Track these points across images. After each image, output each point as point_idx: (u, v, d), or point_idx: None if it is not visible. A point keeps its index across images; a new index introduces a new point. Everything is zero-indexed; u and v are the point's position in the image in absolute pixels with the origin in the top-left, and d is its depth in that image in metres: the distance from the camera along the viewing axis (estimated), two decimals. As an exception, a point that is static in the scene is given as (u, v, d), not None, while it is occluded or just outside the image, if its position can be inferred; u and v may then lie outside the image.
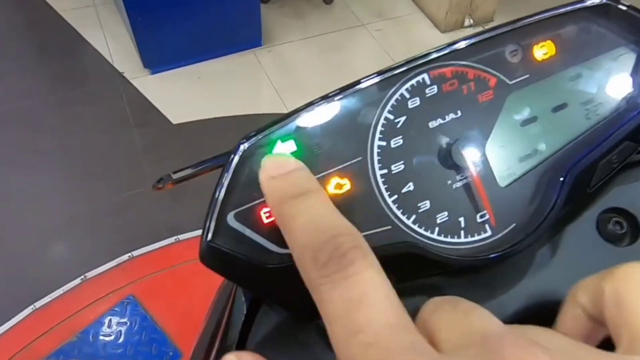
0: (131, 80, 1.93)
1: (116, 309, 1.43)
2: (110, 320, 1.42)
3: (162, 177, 0.43)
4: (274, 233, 0.26)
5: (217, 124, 1.85)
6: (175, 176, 0.41)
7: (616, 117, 0.29)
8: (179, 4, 1.81)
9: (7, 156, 1.69)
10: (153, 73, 1.96)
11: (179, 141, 1.79)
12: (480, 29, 2.21)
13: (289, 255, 0.26)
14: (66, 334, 1.37)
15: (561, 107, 0.29)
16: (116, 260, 1.49)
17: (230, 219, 0.26)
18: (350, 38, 2.20)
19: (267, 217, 0.26)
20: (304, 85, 1.99)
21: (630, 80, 0.30)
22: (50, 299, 1.41)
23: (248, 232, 0.26)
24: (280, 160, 0.24)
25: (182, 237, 1.54)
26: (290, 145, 0.27)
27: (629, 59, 0.30)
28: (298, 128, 0.27)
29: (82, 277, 1.45)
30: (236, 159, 0.26)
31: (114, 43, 2.05)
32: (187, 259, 1.51)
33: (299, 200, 0.22)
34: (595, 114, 0.29)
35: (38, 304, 1.39)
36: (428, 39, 2.19)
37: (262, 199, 0.26)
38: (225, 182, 0.26)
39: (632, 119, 0.29)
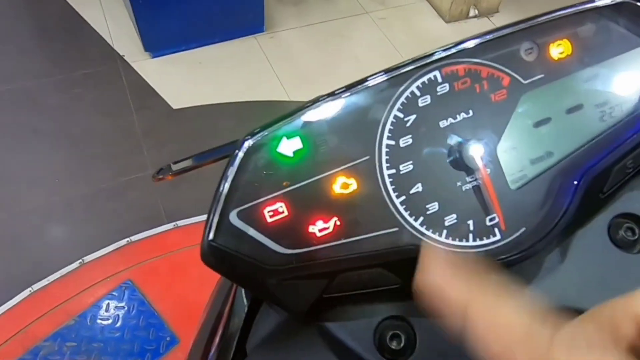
0: (131, 64, 1.91)
1: (114, 293, 1.44)
2: (108, 304, 1.42)
3: (162, 167, 0.42)
4: (278, 232, 0.26)
5: (218, 109, 1.83)
6: (175, 167, 0.40)
7: (633, 119, 0.28)
8: (181, -13, 1.78)
9: (5, 138, 1.67)
10: (154, 57, 1.93)
11: (178, 126, 1.77)
12: (485, 19, 2.18)
13: (293, 256, 0.26)
14: (63, 317, 1.38)
15: (576, 108, 0.29)
16: (114, 244, 1.49)
17: (233, 217, 0.25)
18: (353, 26, 2.17)
19: (270, 216, 0.26)
20: (306, 72, 1.97)
21: None
22: (47, 282, 1.41)
23: (251, 231, 0.26)
24: None
25: (180, 223, 1.54)
26: (296, 143, 0.26)
27: None
28: (305, 124, 0.26)
29: (80, 260, 1.45)
30: (240, 155, 0.25)
31: (114, 25, 2.02)
32: (185, 245, 1.50)
33: None
34: (611, 117, 0.29)
35: (35, 286, 1.39)
36: (432, 29, 2.17)
37: (265, 197, 0.26)
38: (229, 178, 0.25)
39: None
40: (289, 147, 0.26)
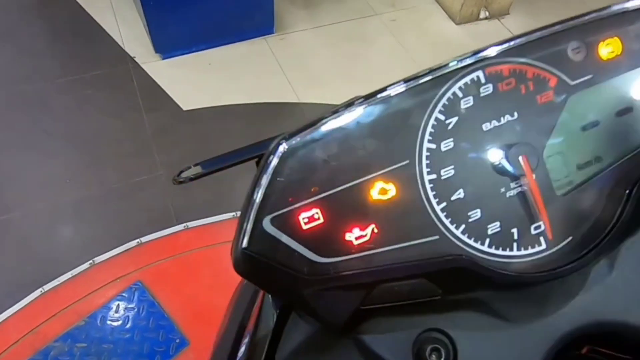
0: (142, 65, 1.91)
1: (124, 294, 1.43)
2: (118, 305, 1.42)
3: (182, 169, 0.41)
4: (314, 240, 0.25)
5: (228, 111, 1.83)
6: (195, 170, 0.39)
7: None
8: (192, -11, 1.78)
9: (17, 139, 1.68)
10: (164, 58, 1.94)
11: (188, 127, 1.77)
12: (496, 21, 2.17)
13: (330, 265, 0.25)
14: (74, 318, 1.37)
15: (626, 111, 0.27)
16: (125, 245, 1.48)
17: (267, 223, 0.24)
18: (364, 27, 2.16)
19: (305, 223, 0.25)
20: (316, 74, 1.96)
21: None
22: (58, 283, 1.41)
23: (285, 238, 0.24)
24: None
25: (190, 224, 1.53)
26: (333, 147, 0.25)
27: None
28: (341, 127, 0.25)
29: (91, 261, 1.45)
30: (275, 160, 0.24)
31: (125, 27, 2.02)
32: (195, 246, 1.50)
33: None
34: None
35: (47, 287, 1.39)
36: (443, 30, 2.15)
37: (301, 203, 0.25)
38: (264, 183, 0.24)
39: None
40: (325, 151, 0.25)
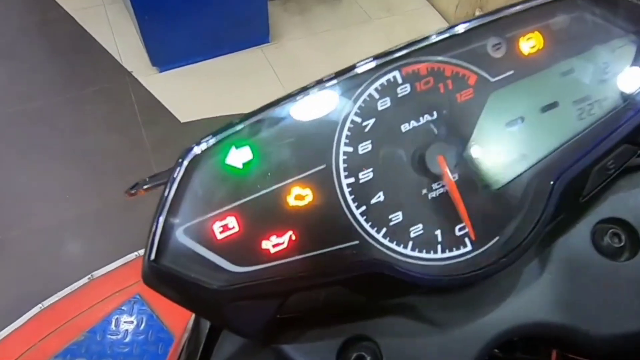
0: (139, 79, 1.93)
1: (123, 307, 1.43)
2: (117, 319, 1.42)
3: (137, 182, 0.41)
4: (230, 249, 0.24)
5: (226, 121, 1.83)
6: (150, 182, 0.38)
7: (613, 117, 0.26)
8: (186, 2, 1.80)
9: (17, 156, 1.70)
10: (161, 71, 1.95)
11: (187, 139, 1.77)
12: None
13: (247, 274, 0.24)
14: (73, 333, 1.38)
15: (551, 106, 0.26)
16: (123, 259, 1.49)
17: (180, 234, 0.24)
18: (359, 33, 2.16)
19: (220, 232, 0.24)
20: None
21: (629, 75, 0.26)
22: (57, 298, 1.42)
23: (199, 248, 0.24)
24: None
25: (188, 236, 1.53)
26: (246, 153, 0.25)
27: (628, 51, 0.26)
28: (254, 132, 0.25)
29: (89, 276, 1.46)
30: (182, 170, 0.24)
31: (122, 42, 2.05)
32: (193, 258, 1.50)
33: None
34: (590, 114, 0.26)
35: (46, 303, 1.40)
36: (439, 33, 2.14)
37: (215, 212, 0.24)
38: (170, 195, 0.24)
39: (630, 119, 0.25)
40: (238, 157, 0.25)
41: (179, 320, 1.41)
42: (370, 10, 2.24)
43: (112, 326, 1.39)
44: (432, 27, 2.18)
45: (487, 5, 2.13)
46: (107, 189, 1.64)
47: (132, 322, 1.40)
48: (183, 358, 0.31)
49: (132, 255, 1.52)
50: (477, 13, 2.08)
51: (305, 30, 2.15)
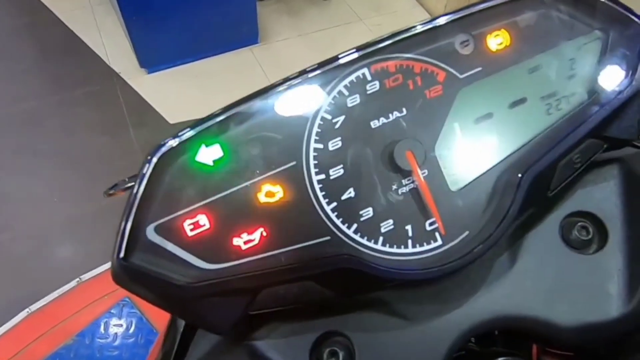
0: (128, 81, 1.92)
1: (112, 310, 1.43)
2: (106, 322, 1.41)
3: (116, 183, 0.41)
4: (201, 246, 0.24)
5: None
6: (129, 183, 0.38)
7: (579, 112, 0.26)
8: (175, 3, 1.79)
9: (6, 158, 1.69)
10: (149, 72, 1.94)
11: (175, 141, 1.77)
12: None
13: (216, 271, 0.24)
14: (62, 337, 1.37)
15: (519, 102, 0.27)
16: (112, 262, 1.48)
17: (150, 232, 0.24)
18: (348, 33, 2.16)
19: (191, 230, 0.24)
20: (302, 82, 1.97)
21: (594, 72, 0.27)
22: (45, 302, 1.40)
23: (170, 246, 0.24)
24: None
25: (178, 238, 1.53)
26: (216, 150, 0.25)
27: (594, 47, 0.27)
28: (224, 130, 0.25)
29: (78, 279, 1.45)
30: (150, 168, 0.24)
31: (110, 43, 2.04)
32: (183, 260, 1.49)
33: None
34: (557, 109, 0.27)
35: (33, 307, 1.39)
36: (428, 32, 2.15)
37: (185, 209, 0.24)
38: (139, 193, 0.24)
39: (595, 114, 0.26)
40: (208, 155, 0.25)
41: (169, 322, 1.40)
42: (360, 10, 2.25)
43: (102, 329, 1.38)
44: (420, 27, 2.20)
45: (474, 5, 2.16)
46: (96, 190, 1.62)
47: (121, 325, 1.40)
48: (160, 357, 0.31)
49: (122, 258, 1.52)
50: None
51: (294, 31, 2.15)
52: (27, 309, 1.37)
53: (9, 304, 1.38)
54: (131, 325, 1.38)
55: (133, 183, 0.40)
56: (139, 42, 1.84)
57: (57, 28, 2.09)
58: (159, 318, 1.41)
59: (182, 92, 1.92)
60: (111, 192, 0.39)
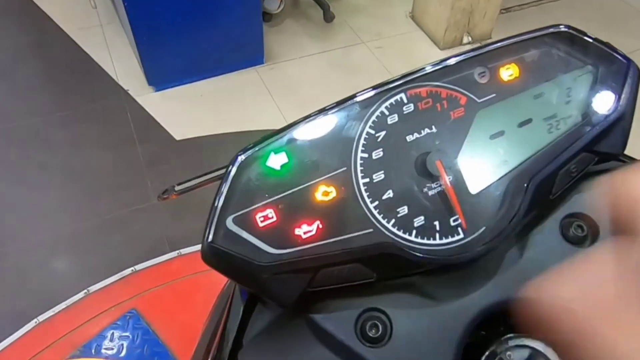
0: (135, 98, 1.97)
1: (118, 322, 1.45)
2: (112, 333, 1.43)
3: (167, 188, 0.46)
4: (268, 235, 0.29)
5: (220, 139, 1.88)
6: (178, 188, 0.44)
7: (574, 131, 0.32)
8: (183, 24, 1.86)
9: (13, 173, 1.72)
10: (157, 90, 2.00)
11: (181, 157, 1.82)
12: (478, 46, 2.26)
13: (282, 255, 0.30)
14: (69, 347, 1.39)
15: (526, 122, 0.32)
16: (119, 274, 1.51)
17: (229, 222, 0.29)
18: (351, 55, 2.24)
19: (261, 221, 0.29)
20: (306, 101, 2.03)
21: (586, 98, 0.33)
22: (53, 313, 1.42)
23: (244, 234, 0.29)
24: None
25: (183, 251, 1.56)
26: (282, 157, 0.30)
27: (586, 79, 0.33)
28: (289, 141, 0.30)
29: (85, 291, 1.47)
30: (234, 169, 0.29)
31: (119, 61, 2.10)
32: (188, 272, 1.52)
33: None
34: (557, 128, 0.33)
35: (41, 317, 1.41)
36: (428, 56, 2.23)
37: (257, 205, 0.30)
38: (225, 190, 0.29)
39: (587, 133, 0.32)
40: (276, 161, 0.30)
41: (175, 334, 1.43)
42: (362, 33, 2.33)
43: (108, 341, 1.40)
44: (421, 50, 2.28)
45: (474, 30, 2.25)
46: (102, 205, 1.66)
47: (127, 336, 1.42)
48: (221, 325, 0.35)
49: (128, 271, 1.54)
50: (465, 37, 2.16)
51: (298, 52, 2.22)
52: (35, 319, 1.39)
53: (13, 315, 1.40)
54: (137, 337, 1.40)
55: (185, 187, 0.45)
56: (148, 60, 1.90)
57: (67, 46, 2.15)
58: (166, 330, 1.44)
59: (188, 110, 1.97)
60: (165, 196, 0.45)
